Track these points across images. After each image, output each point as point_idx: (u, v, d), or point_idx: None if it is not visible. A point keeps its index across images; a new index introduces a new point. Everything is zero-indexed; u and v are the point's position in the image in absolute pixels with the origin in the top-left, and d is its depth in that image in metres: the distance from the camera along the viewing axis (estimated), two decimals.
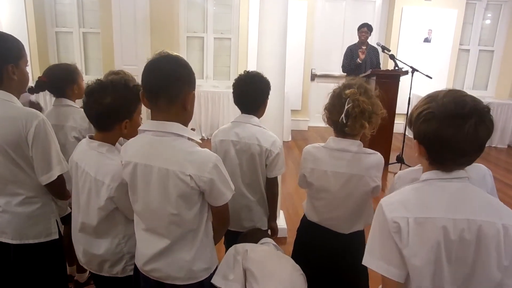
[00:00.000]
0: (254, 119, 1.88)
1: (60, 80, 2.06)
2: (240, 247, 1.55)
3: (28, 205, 1.59)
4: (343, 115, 1.50)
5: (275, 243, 1.72)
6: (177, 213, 1.26)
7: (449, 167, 1.03)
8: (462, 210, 0.99)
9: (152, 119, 1.27)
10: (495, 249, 0.97)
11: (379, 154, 1.63)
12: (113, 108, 1.43)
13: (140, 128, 1.30)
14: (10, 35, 1.53)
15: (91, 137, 1.52)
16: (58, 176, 1.58)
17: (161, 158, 1.24)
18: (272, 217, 2.04)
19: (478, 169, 1.39)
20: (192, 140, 1.30)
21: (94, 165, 1.45)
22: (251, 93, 1.86)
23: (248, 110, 1.89)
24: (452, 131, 0.97)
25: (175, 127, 1.25)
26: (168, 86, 1.22)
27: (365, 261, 1.08)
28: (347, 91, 1.50)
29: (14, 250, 1.62)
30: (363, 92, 1.52)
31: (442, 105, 1.00)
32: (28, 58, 1.63)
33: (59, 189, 1.65)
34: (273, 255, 1.58)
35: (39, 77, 2.02)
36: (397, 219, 1.01)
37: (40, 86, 2.00)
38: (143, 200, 1.30)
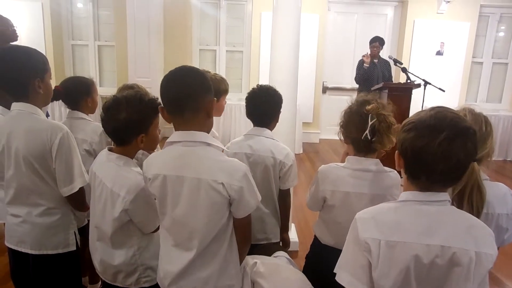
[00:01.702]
0: (267, 131, 1.90)
1: (75, 91, 2.10)
2: (250, 258, 1.55)
3: (48, 216, 1.61)
4: (367, 132, 1.44)
5: (288, 257, 1.71)
6: (207, 224, 1.25)
7: (425, 185, 1.01)
8: (436, 236, 0.97)
9: (176, 130, 1.28)
10: (464, 276, 0.96)
11: (395, 171, 1.54)
12: (128, 123, 1.46)
13: (168, 140, 1.30)
14: (35, 50, 1.57)
15: (110, 149, 1.55)
16: (79, 188, 1.61)
17: (193, 168, 1.24)
18: (284, 228, 2.04)
19: (497, 188, 1.35)
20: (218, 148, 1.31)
21: (111, 177, 1.47)
22: (265, 106, 1.88)
23: (261, 123, 1.91)
24: (424, 142, 0.96)
25: (203, 136, 1.26)
26: (193, 96, 1.23)
27: (338, 277, 1.07)
28: (369, 107, 1.45)
29: (33, 260, 1.64)
30: (382, 107, 1.49)
31: (423, 117, 1.00)
32: None
33: (79, 201, 1.67)
34: (282, 269, 1.56)
35: (55, 87, 2.07)
36: (369, 240, 1.00)
37: (55, 95, 2.04)
38: (172, 213, 1.28)
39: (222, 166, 1.24)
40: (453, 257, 0.96)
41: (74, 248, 1.69)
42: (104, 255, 1.54)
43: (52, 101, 2.02)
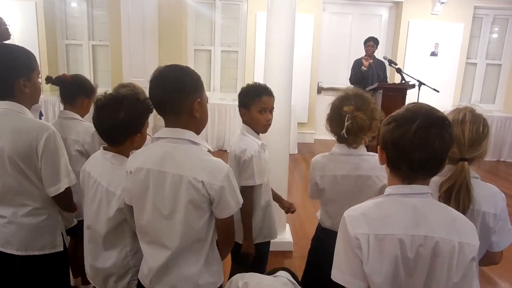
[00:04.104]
0: (243, 129, 1.94)
1: (78, 86, 2.09)
2: (239, 277, 1.56)
3: (34, 217, 1.59)
4: (344, 131, 1.61)
5: (291, 279, 1.66)
6: (186, 221, 1.25)
7: (406, 174, 1.05)
8: (420, 227, 1.01)
9: (165, 126, 1.29)
10: (447, 266, 0.99)
11: None
12: (126, 122, 1.45)
13: (154, 136, 1.31)
14: (22, 48, 1.55)
15: (105, 148, 1.53)
16: (66, 189, 1.58)
17: (176, 164, 1.24)
18: (244, 234, 1.90)
19: (487, 188, 1.35)
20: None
21: (106, 175, 1.46)
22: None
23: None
24: (401, 131, 1.02)
25: (190, 134, 1.27)
26: (171, 100, 1.24)
27: (333, 276, 1.09)
28: (345, 108, 1.60)
29: (19, 261, 1.61)
30: (361, 105, 1.62)
31: (401, 111, 1.07)
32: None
33: (66, 201, 1.65)
34: None
35: (63, 74, 2.06)
36: (359, 235, 1.03)
37: (59, 80, 2.02)
38: (152, 208, 1.28)
39: (204, 165, 1.25)
40: (436, 247, 0.99)
41: (61, 248, 1.67)
42: (96, 258, 1.52)
43: (53, 82, 1.99)
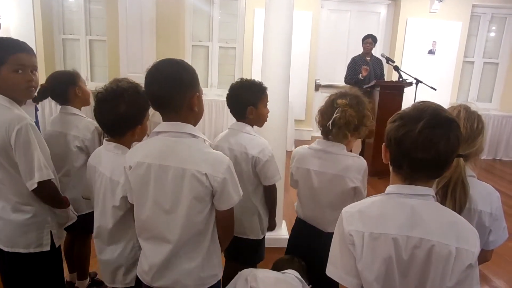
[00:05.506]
0: (246, 127, 1.87)
1: (61, 83, 2.04)
2: (250, 271, 1.58)
3: (20, 213, 1.55)
4: (330, 122, 1.62)
5: (299, 276, 1.67)
6: (188, 214, 1.25)
7: (407, 174, 1.03)
8: (416, 228, 0.99)
9: (164, 121, 1.29)
10: (441, 270, 0.97)
11: (361, 158, 1.73)
12: (127, 115, 1.45)
13: (154, 130, 1.30)
14: None
15: (108, 140, 1.54)
16: (44, 183, 1.52)
17: (178, 158, 1.24)
18: (271, 215, 2.03)
19: (482, 187, 1.36)
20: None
21: (109, 165, 1.46)
22: (234, 101, 1.89)
23: (237, 118, 1.91)
24: (405, 130, 0.99)
25: (190, 128, 1.28)
26: (169, 96, 1.23)
27: (328, 271, 1.09)
28: (339, 101, 1.62)
29: (7, 256, 1.59)
30: (355, 104, 1.62)
31: (407, 109, 1.05)
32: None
33: (46, 196, 1.59)
34: (281, 283, 1.56)
35: (41, 85, 2.00)
36: (353, 233, 1.03)
37: (42, 92, 1.98)
38: (153, 202, 1.27)
39: (206, 158, 1.25)
40: (431, 250, 0.97)
41: (48, 248, 1.62)
42: (103, 251, 1.52)
43: (41, 99, 1.97)
